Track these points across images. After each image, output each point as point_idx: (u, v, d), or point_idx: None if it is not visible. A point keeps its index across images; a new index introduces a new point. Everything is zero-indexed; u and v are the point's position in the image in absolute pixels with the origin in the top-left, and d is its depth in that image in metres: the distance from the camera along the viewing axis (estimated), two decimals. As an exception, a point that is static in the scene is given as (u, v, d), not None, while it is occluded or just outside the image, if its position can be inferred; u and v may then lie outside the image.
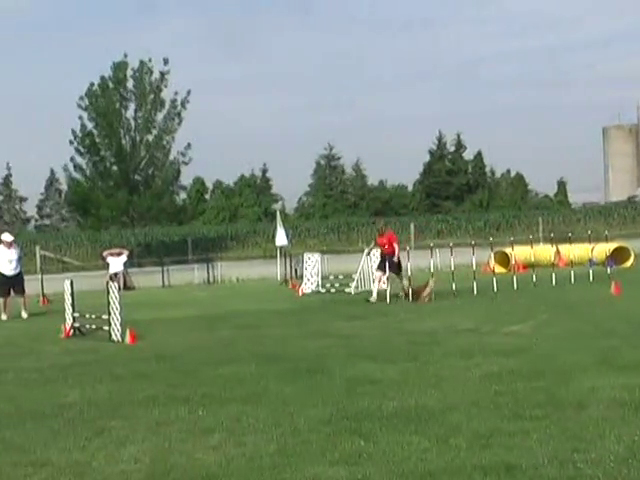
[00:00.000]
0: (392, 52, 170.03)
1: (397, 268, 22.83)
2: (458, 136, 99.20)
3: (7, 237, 24.50)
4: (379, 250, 23.83)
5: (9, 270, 23.80)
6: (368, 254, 25.89)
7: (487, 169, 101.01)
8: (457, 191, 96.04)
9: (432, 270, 23.50)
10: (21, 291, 23.85)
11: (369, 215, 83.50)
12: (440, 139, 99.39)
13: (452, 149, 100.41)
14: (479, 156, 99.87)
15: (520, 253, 30.18)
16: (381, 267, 23.05)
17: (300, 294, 27.35)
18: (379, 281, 23.18)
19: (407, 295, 22.06)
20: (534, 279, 24.57)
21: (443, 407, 8.92)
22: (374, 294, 22.81)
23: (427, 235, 59.01)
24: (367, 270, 25.92)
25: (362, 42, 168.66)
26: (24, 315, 23.31)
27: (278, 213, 41.70)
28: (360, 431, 8.01)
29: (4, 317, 23.30)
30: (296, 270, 33.40)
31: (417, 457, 7.10)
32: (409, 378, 10.73)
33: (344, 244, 59.29)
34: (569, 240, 29.23)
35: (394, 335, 15.39)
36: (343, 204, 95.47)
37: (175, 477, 6.85)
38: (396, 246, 22.88)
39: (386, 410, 8.86)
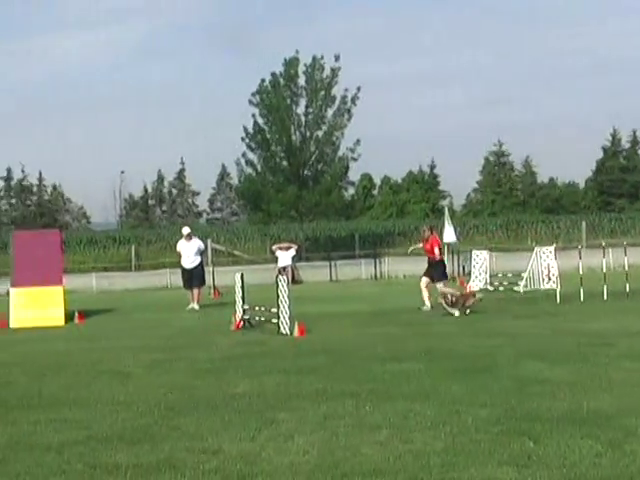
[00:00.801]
0: (564, 46, 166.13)
1: (442, 275, 21.56)
2: (634, 132, 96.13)
3: (185, 230, 25.33)
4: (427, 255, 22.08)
5: (188, 263, 24.59)
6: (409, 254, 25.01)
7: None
8: (631, 189, 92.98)
9: (604, 270, 22.85)
10: (197, 284, 24.49)
11: (539, 213, 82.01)
12: (614, 135, 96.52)
13: (627, 146, 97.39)
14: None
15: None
16: (428, 274, 21.53)
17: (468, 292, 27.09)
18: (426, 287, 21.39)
19: (449, 303, 19.55)
20: None
21: (616, 411, 8.65)
22: (427, 303, 21.03)
23: (599, 234, 57.45)
24: (537, 269, 25.42)
25: (535, 37, 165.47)
26: (195, 307, 23.94)
27: (446, 210, 41.52)
28: (530, 432, 7.85)
29: (196, 307, 24.01)
30: (464, 267, 33.17)
31: (589, 462, 6.90)
32: (580, 379, 10.46)
33: (512, 242, 58.36)
34: None
35: (564, 335, 15.06)
36: (512, 201, 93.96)
37: (343, 471, 6.88)
38: (437, 251, 21.51)
39: (556, 412, 8.66)
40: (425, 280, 21.33)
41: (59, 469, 7.26)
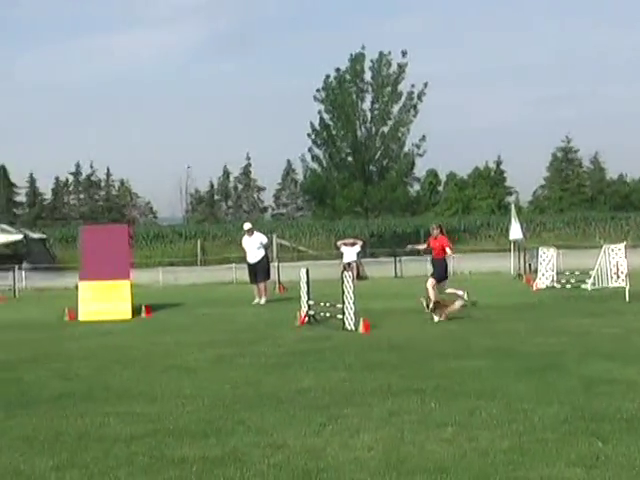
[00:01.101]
0: (631, 41, 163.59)
1: (442, 275, 21.16)
2: None
3: (246, 226, 25.46)
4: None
5: (252, 258, 24.71)
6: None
7: None
8: None
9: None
10: (261, 278, 24.57)
11: (608, 210, 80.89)
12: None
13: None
14: None
15: None
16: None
17: (534, 289, 26.86)
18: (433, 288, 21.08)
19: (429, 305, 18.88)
20: None
21: (687, 412, 8.50)
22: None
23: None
24: (605, 267, 25.05)
25: (601, 31, 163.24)
26: (261, 302, 24.04)
27: (512, 206, 41.13)
28: (598, 433, 7.74)
29: (262, 301, 24.15)
30: (530, 264, 32.83)
31: (660, 464, 6.79)
32: (650, 380, 10.30)
33: (580, 239, 57.68)
34: None
35: (633, 334, 14.83)
36: (580, 198, 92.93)
37: (408, 468, 6.86)
38: (448, 251, 21.28)
39: (626, 412, 8.53)
40: (432, 281, 20.99)
41: (127, 461, 7.35)
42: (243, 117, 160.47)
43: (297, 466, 7.01)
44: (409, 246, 26.16)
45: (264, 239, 25.53)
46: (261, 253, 24.80)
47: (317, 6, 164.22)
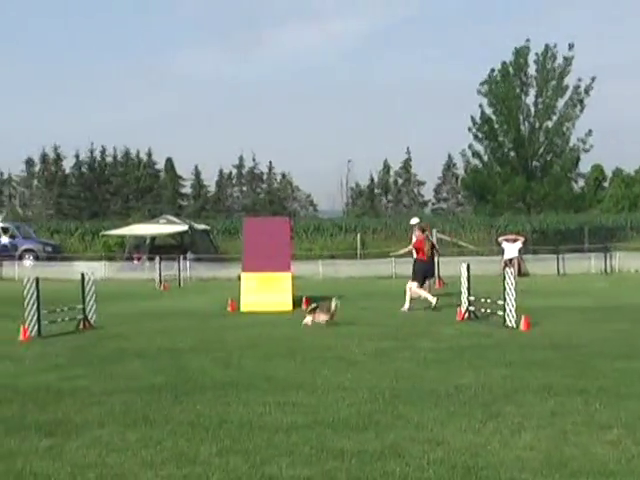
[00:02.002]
0: None
1: (419, 276, 21.46)
2: None
3: (413, 220, 25.61)
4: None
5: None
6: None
7: None
8: None
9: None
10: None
11: None
12: None
13: None
14: None
15: None
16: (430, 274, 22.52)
17: None
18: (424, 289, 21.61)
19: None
20: None
21: None
22: (432, 301, 20.94)
23: None
24: None
25: None
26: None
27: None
28: None
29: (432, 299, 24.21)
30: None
31: None
32: None
33: None
34: None
35: None
36: None
37: (571, 469, 6.71)
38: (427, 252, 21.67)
39: None
40: (416, 284, 21.43)
41: (287, 450, 7.45)
42: (404, 111, 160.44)
43: (457, 463, 6.95)
44: (396, 252, 26.51)
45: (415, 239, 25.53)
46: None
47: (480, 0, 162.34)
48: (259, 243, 23.35)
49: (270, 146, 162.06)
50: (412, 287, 21.21)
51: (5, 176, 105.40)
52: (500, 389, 10.03)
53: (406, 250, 23.56)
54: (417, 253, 21.91)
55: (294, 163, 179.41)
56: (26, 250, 46.78)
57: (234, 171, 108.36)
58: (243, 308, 22.12)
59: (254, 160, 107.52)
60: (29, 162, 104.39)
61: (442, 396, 9.65)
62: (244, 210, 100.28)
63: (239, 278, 24.28)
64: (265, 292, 22.53)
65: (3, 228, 47.40)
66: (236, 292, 23.17)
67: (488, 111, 51.29)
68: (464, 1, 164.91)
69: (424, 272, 21.70)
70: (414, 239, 22.65)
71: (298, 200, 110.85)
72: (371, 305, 22.49)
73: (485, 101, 51.26)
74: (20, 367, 12.63)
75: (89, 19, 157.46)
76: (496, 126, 51.19)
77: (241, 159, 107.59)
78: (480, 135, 51.45)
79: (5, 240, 46.35)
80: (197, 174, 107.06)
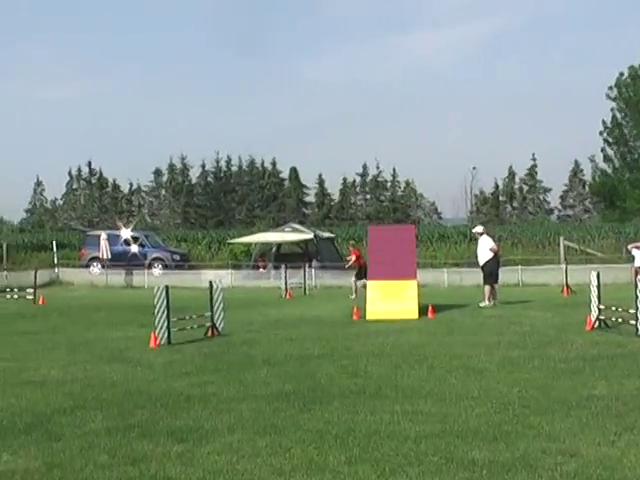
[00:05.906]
0: None
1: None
2: None
3: (477, 229, 25.98)
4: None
5: (480, 260, 25.36)
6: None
7: None
8: None
9: None
10: (486, 281, 24.77)
11: None
12: None
13: None
14: None
15: None
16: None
17: None
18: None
19: None
20: None
21: None
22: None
23: None
24: None
25: None
26: (484, 304, 24.19)
27: None
28: None
29: (482, 304, 24.24)
30: None
31: None
32: None
33: None
34: None
35: None
36: None
37: None
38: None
39: None
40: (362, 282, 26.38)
41: (416, 459, 7.40)
42: (530, 117, 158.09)
43: (591, 476, 6.80)
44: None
45: (489, 243, 25.42)
46: (486, 256, 25.05)
47: (608, 2, 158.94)
48: (384, 251, 23.32)
49: (394, 153, 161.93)
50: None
51: (134, 186, 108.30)
52: (634, 400, 9.77)
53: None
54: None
55: (418, 171, 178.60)
56: (155, 259, 47.70)
57: (358, 179, 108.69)
58: (369, 316, 22.04)
59: (378, 168, 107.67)
60: (157, 172, 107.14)
61: (574, 407, 9.46)
62: (368, 218, 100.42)
63: (365, 286, 24.35)
64: (391, 300, 22.43)
65: (133, 237, 48.50)
66: (361, 300, 23.16)
67: (619, 115, 50.30)
68: (586, 3, 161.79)
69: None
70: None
71: (422, 208, 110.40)
72: (497, 313, 22.19)
73: (614, 105, 50.28)
74: (151, 373, 12.90)
75: (220, 23, 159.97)
76: (626, 131, 50.14)
77: (365, 167, 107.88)
78: (611, 140, 50.47)
79: (135, 249, 47.38)
80: (321, 182, 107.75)
